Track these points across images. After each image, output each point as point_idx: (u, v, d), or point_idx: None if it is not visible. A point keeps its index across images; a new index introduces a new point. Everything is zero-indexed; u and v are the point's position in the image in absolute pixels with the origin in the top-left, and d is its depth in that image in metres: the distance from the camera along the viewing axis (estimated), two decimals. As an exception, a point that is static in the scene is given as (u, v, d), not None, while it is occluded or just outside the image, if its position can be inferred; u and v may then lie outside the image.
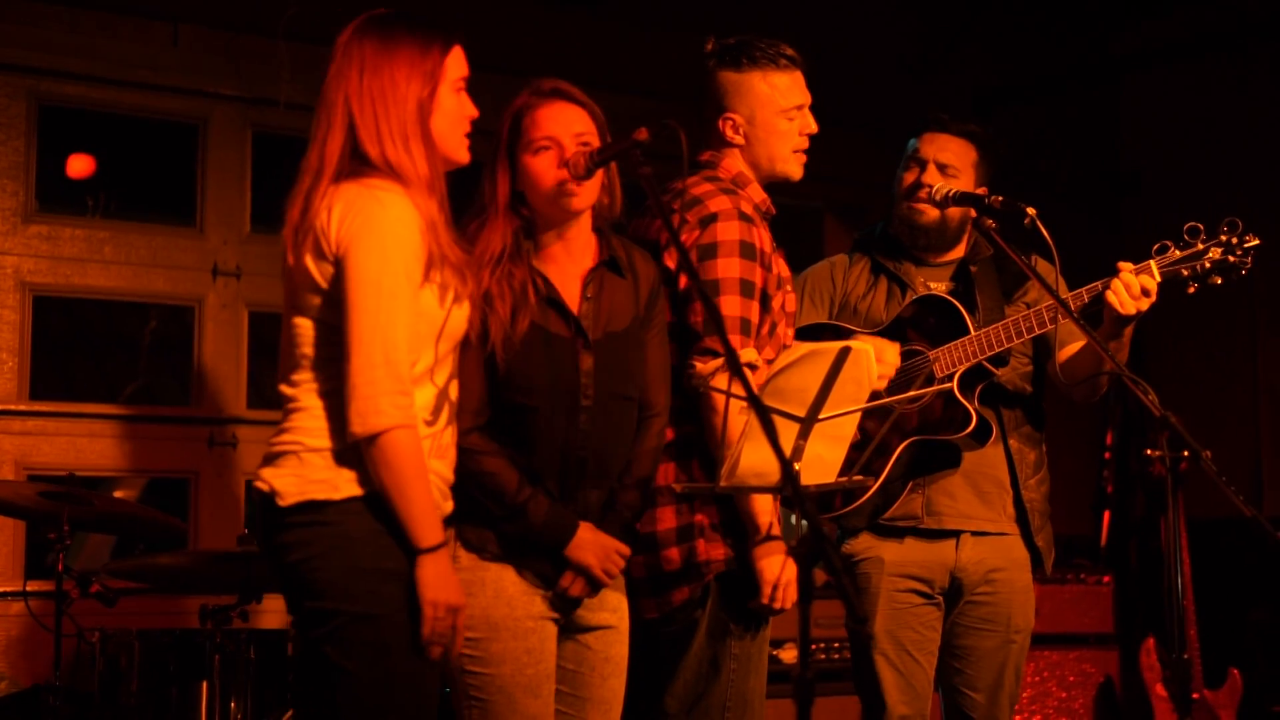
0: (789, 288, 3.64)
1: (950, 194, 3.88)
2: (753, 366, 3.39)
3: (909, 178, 3.98)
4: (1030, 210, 3.62)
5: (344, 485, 2.85)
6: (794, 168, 3.68)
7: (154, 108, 5.88)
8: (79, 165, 5.92)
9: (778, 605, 3.39)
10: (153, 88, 5.80)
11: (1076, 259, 3.85)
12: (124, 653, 4.55)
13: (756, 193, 3.63)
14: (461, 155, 3.07)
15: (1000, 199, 3.74)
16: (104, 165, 5.95)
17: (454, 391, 3.04)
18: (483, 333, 3.16)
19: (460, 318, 2.98)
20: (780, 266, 3.60)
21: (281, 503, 2.86)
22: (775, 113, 3.62)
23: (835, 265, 4.13)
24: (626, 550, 3.29)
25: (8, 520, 5.32)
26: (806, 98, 3.68)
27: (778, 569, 3.37)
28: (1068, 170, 7.72)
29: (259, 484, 2.92)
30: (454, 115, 3.03)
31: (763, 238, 3.51)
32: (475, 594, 3.16)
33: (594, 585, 3.25)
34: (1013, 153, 7.25)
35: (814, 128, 3.69)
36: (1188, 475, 4.08)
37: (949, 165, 3.95)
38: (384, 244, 2.83)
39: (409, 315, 2.84)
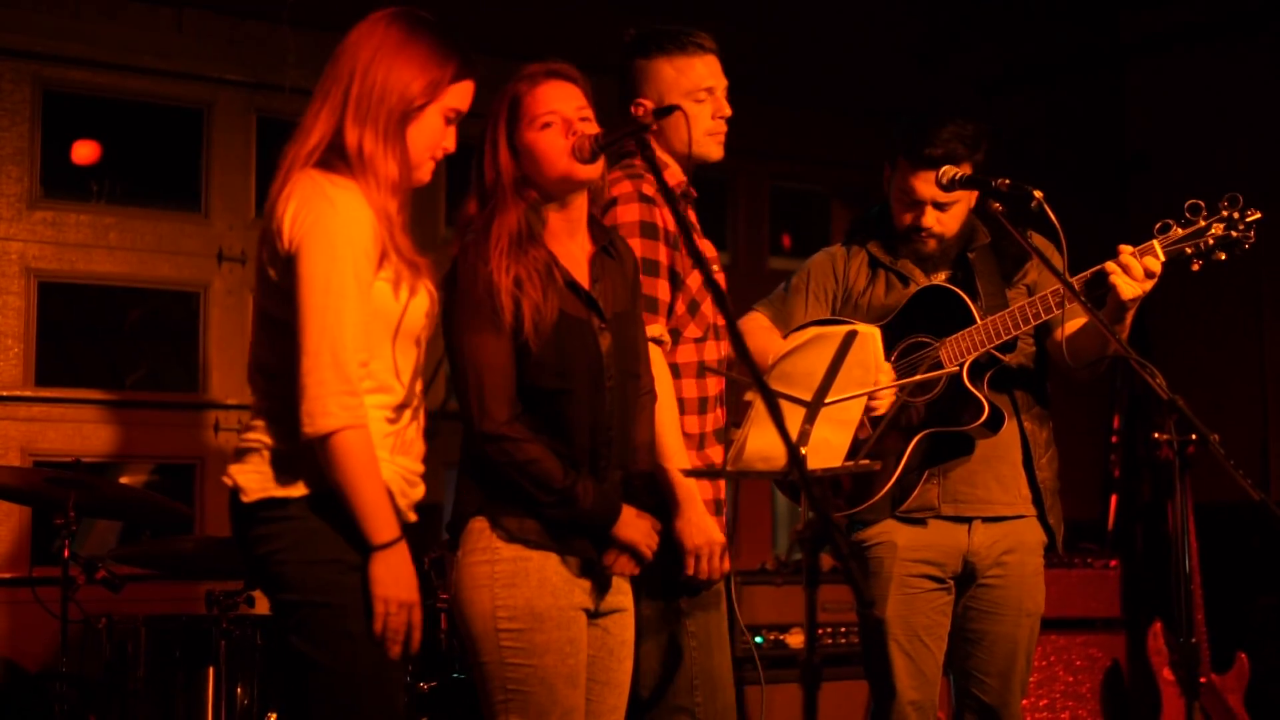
0: (716, 267, 3.66)
1: (957, 177, 3.85)
2: (660, 342, 3.45)
3: (908, 218, 3.93)
4: (1037, 193, 3.61)
5: (300, 483, 2.86)
6: (710, 148, 3.70)
7: (159, 93, 5.87)
8: (84, 151, 5.92)
9: (704, 575, 3.40)
10: (157, 73, 5.80)
11: (1083, 242, 3.83)
12: (130, 639, 4.55)
13: (674, 175, 3.66)
14: (422, 174, 3.04)
15: (1007, 182, 3.71)
16: (109, 151, 5.94)
17: (419, 386, 3.03)
18: (516, 318, 3.14)
19: (416, 314, 2.96)
20: (704, 246, 3.64)
21: (245, 499, 2.89)
22: (681, 95, 3.64)
23: (835, 258, 4.09)
24: (659, 525, 3.30)
25: (14, 506, 5.32)
26: (719, 81, 3.70)
27: (697, 538, 3.38)
28: (1074, 153, 7.71)
29: (225, 480, 2.93)
30: (430, 136, 2.99)
31: (665, 217, 3.52)
32: (519, 584, 3.14)
33: (640, 562, 3.27)
34: (1020, 136, 7.29)
35: (726, 110, 3.71)
36: (1195, 459, 4.07)
37: (947, 203, 3.89)
38: (333, 244, 2.82)
39: (358, 315, 2.83)
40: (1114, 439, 7.54)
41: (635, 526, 3.24)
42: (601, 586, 3.28)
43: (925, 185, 3.86)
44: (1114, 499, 7.46)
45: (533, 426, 3.17)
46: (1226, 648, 6.01)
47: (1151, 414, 7.40)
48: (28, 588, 5.12)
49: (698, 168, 3.73)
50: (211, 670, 4.47)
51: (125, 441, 5.69)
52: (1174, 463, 3.73)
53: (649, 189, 3.53)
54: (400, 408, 2.95)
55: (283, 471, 2.87)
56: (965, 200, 3.92)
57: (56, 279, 5.67)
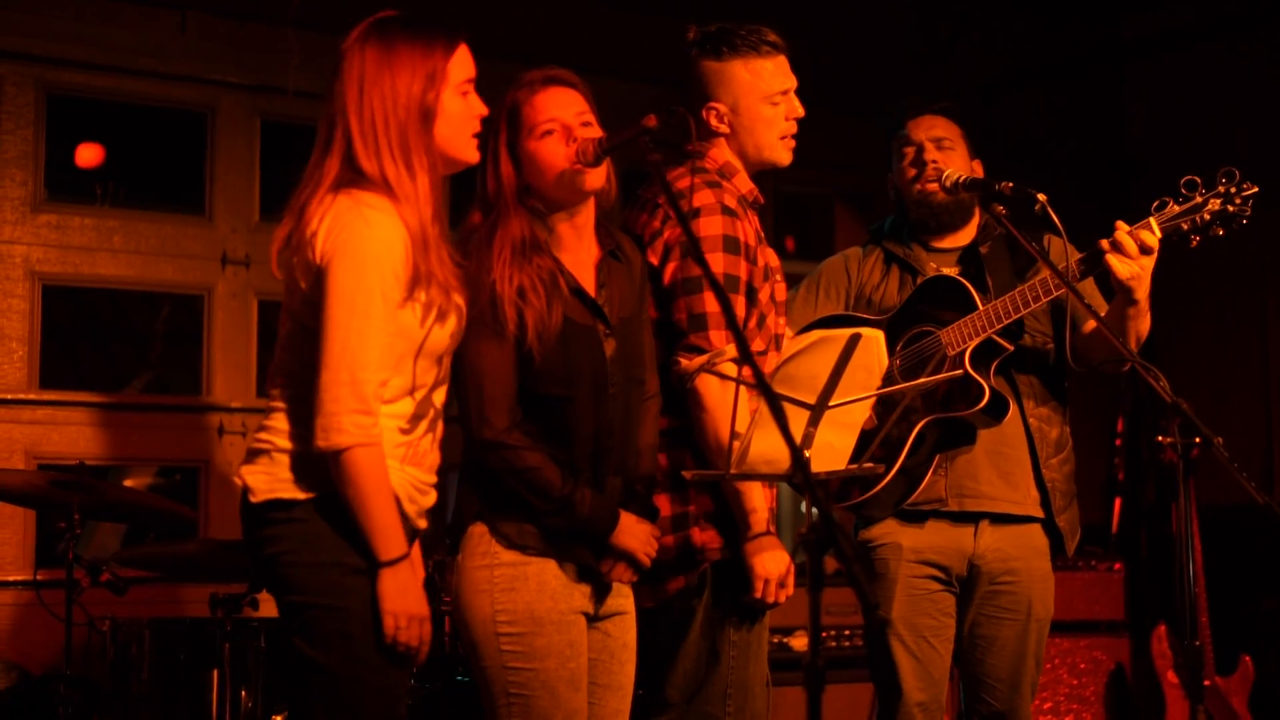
0: (778, 277, 3.63)
1: (960, 180, 3.86)
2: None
3: (911, 162, 4.00)
4: (1041, 196, 3.61)
5: (308, 486, 2.89)
6: (782, 154, 3.66)
7: (162, 96, 5.87)
8: (87, 154, 5.92)
9: (770, 600, 3.38)
10: (161, 76, 5.80)
11: (1083, 243, 3.83)
12: (134, 641, 4.55)
13: (744, 183, 3.61)
14: (470, 155, 3.08)
15: (1010, 185, 3.71)
16: (112, 154, 5.94)
17: (439, 398, 3.05)
18: (519, 327, 3.14)
19: (440, 336, 2.98)
20: (768, 256, 3.58)
21: (253, 499, 2.92)
22: (758, 100, 3.60)
23: (849, 258, 4.13)
24: (658, 532, 3.32)
25: (18, 509, 5.32)
26: (791, 82, 3.65)
27: (770, 565, 3.36)
28: (1074, 155, 7.71)
29: (236, 479, 2.98)
30: (459, 118, 3.02)
31: (746, 230, 3.49)
32: (518, 589, 3.16)
33: (638, 570, 3.28)
34: (1020, 138, 7.28)
35: (800, 112, 3.66)
36: (1199, 462, 4.07)
37: (943, 139, 3.99)
38: (363, 263, 2.84)
39: (381, 335, 2.85)
40: (1118, 442, 7.54)
41: (633, 534, 3.25)
42: (601, 590, 3.29)
43: (917, 130, 4.01)
44: (1118, 502, 7.45)
45: (534, 433, 3.19)
46: (1231, 650, 6.01)
47: (1155, 417, 7.40)
48: (32, 590, 5.12)
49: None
50: (216, 673, 4.47)
51: (129, 444, 5.69)
52: (1178, 465, 3.72)
53: (731, 200, 3.48)
54: (415, 419, 2.97)
55: (291, 474, 2.90)
56: (962, 149, 4.01)
57: (60, 282, 5.68)
